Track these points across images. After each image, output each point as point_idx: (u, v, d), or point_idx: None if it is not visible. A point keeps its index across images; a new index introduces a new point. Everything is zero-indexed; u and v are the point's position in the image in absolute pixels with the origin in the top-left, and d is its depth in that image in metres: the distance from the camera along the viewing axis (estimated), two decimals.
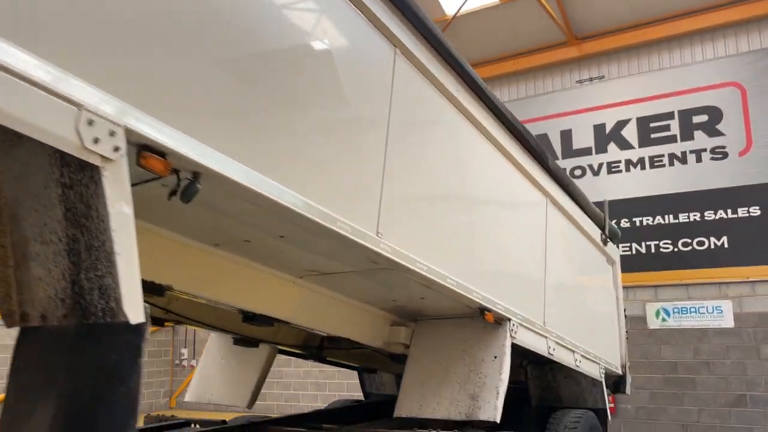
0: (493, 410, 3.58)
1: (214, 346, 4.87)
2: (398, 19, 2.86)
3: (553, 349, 4.48)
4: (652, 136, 10.90)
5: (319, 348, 4.64)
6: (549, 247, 4.58)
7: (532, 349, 4.19)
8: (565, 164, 11.54)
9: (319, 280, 3.35)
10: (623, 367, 6.12)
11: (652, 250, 10.59)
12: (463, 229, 3.46)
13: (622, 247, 10.74)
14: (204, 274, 2.89)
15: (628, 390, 6.15)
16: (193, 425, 4.16)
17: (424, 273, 3.03)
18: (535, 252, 4.39)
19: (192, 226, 2.62)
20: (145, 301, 1.48)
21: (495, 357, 3.78)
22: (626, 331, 6.37)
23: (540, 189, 4.51)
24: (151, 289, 2.70)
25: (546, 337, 4.39)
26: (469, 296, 3.45)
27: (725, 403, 9.72)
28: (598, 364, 5.41)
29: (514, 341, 3.93)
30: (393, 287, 3.43)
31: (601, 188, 11.14)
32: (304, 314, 3.45)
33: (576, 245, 5.24)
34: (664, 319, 10.31)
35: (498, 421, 3.56)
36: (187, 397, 4.83)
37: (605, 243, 5.83)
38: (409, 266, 2.92)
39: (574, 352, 4.88)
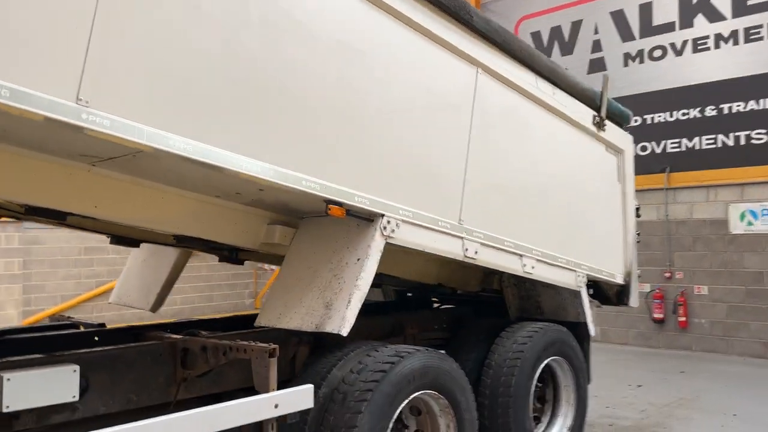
0: (339, 321, 2.99)
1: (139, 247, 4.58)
2: None
3: (476, 252, 3.71)
4: (750, 2, 8.97)
5: (231, 250, 4.18)
6: (477, 129, 3.72)
7: (430, 251, 3.47)
8: (643, 44, 9.94)
9: (117, 167, 2.83)
10: (628, 275, 5.14)
11: (741, 142, 8.96)
12: (280, 97, 2.74)
13: (705, 139, 9.21)
14: None
15: (632, 302, 5.18)
16: (80, 327, 3.94)
17: (187, 155, 2.42)
18: (445, 134, 3.56)
19: None
20: None
21: (358, 260, 3.14)
22: (637, 234, 5.32)
23: (461, 56, 3.62)
24: None
25: (462, 237, 3.63)
26: (295, 186, 2.80)
27: None
28: (574, 271, 4.53)
29: (393, 241, 3.24)
30: (207, 177, 2.84)
31: (683, 71, 9.53)
32: (111, 208, 2.98)
33: (541, 129, 4.28)
34: (750, 223, 8.81)
35: (344, 333, 2.97)
36: (110, 299, 4.65)
37: (600, 127, 4.76)
38: (155, 146, 2.32)
39: (522, 256, 4.05)
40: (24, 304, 11.85)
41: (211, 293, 14.48)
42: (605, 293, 5.25)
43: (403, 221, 3.28)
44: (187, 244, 3.63)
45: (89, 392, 2.88)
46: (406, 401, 3.30)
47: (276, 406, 2.72)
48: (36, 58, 2.04)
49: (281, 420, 2.82)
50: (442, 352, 3.57)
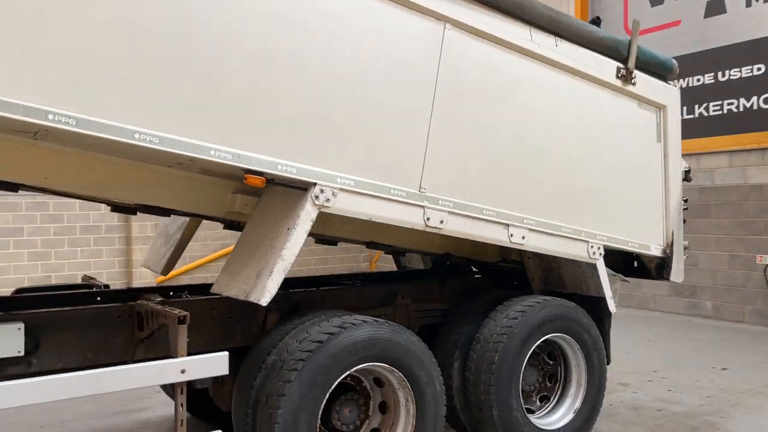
0: (260, 291, 2.98)
1: None
2: None
3: (441, 221, 3.50)
4: None
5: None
6: (444, 90, 3.47)
7: (380, 221, 3.34)
8: None
9: (57, 140, 3.00)
10: (669, 246, 4.57)
11: None
12: (183, 65, 2.70)
13: None
14: None
15: (674, 277, 4.60)
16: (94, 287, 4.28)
17: (69, 128, 2.50)
18: (399, 98, 3.36)
19: None
20: None
21: (288, 229, 3.10)
22: (683, 200, 4.69)
23: (422, 11, 3.38)
24: None
25: (423, 206, 3.44)
26: (201, 156, 2.80)
27: None
28: (586, 242, 4.12)
29: (329, 210, 3.16)
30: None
31: None
32: (62, 179, 3.18)
33: (538, 86, 3.89)
34: None
35: (263, 303, 2.96)
36: (142, 263, 5.00)
37: (627, 80, 4.23)
38: (31, 120, 2.42)
39: (508, 225, 3.76)
40: None
41: (326, 256, 14.88)
42: (646, 266, 4.74)
43: (342, 190, 3.17)
44: (158, 213, 3.76)
45: (44, 348, 3.15)
46: (348, 373, 3.25)
47: (183, 371, 2.80)
48: None
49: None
50: (392, 323, 3.44)
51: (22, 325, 3.01)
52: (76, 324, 3.25)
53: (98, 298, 3.94)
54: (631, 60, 4.23)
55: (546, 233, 3.93)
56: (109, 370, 2.70)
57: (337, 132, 3.19)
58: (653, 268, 4.68)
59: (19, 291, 4.07)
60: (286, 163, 3.02)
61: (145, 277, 12.41)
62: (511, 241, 3.78)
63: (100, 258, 12.43)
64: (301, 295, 3.98)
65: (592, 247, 4.15)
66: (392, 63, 3.33)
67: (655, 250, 4.53)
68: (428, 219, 3.46)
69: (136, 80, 2.64)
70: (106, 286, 4.21)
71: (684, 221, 4.75)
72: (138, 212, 3.62)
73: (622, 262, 4.92)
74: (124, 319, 3.38)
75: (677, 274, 4.61)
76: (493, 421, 3.76)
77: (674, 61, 4.51)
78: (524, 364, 3.88)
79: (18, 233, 11.37)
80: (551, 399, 4.25)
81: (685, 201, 4.73)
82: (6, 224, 11.16)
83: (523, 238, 3.83)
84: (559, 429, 4.05)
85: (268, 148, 2.98)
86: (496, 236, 3.74)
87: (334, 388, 3.42)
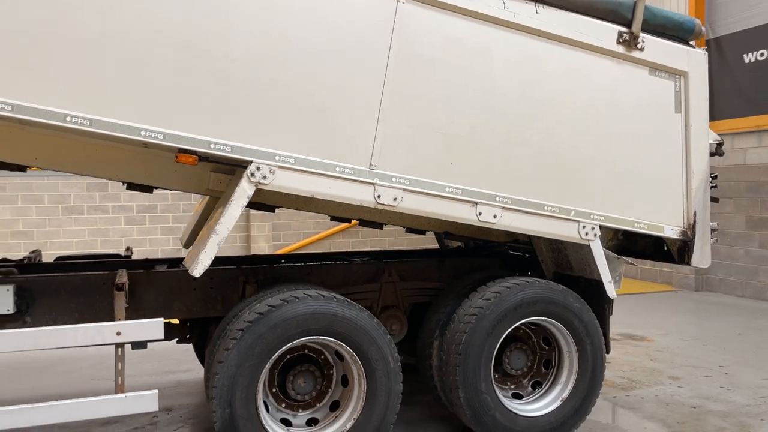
0: (195, 264, 3.17)
1: None
2: None
3: (395, 199, 3.45)
4: None
5: None
6: (398, 66, 3.41)
7: (326, 198, 3.37)
8: None
9: (38, 124, 3.39)
10: (689, 229, 4.11)
11: None
12: (103, 46, 2.89)
13: None
14: None
15: (695, 261, 4.11)
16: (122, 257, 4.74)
17: None
18: (345, 74, 3.35)
19: None
20: None
21: (228, 205, 3.25)
22: (711, 177, 4.17)
23: None
24: None
25: (373, 183, 3.42)
26: (131, 136, 3.01)
27: None
28: (576, 221, 3.84)
29: (267, 188, 3.25)
30: None
31: None
32: (50, 159, 3.57)
33: (516, 57, 3.66)
34: None
35: (195, 275, 3.15)
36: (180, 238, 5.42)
37: (632, 45, 3.85)
38: None
39: (477, 203, 3.62)
40: (273, 239, 13.89)
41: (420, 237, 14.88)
42: (669, 248, 4.32)
43: (281, 167, 3.25)
44: (143, 190, 4.05)
45: (37, 308, 3.60)
46: (290, 345, 3.35)
47: (118, 334, 3.08)
48: None
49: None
50: (342, 298, 3.47)
51: (11, 287, 3.45)
52: (65, 288, 3.67)
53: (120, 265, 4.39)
54: (636, 23, 3.84)
55: (525, 212, 3.73)
56: (48, 329, 3.04)
57: (275, 108, 3.24)
58: (675, 252, 4.26)
59: (58, 258, 4.62)
60: (219, 141, 3.15)
61: (263, 250, 13.24)
62: (479, 220, 3.64)
63: None
64: (285, 270, 4.14)
65: (584, 227, 3.87)
66: (336, 35, 3.30)
67: (671, 232, 4.11)
68: (379, 197, 3.44)
69: (62, 63, 2.88)
70: (128, 257, 4.67)
71: (715, 200, 4.26)
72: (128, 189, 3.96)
73: (652, 245, 4.53)
74: (109, 285, 3.73)
75: (701, 258, 4.15)
76: (460, 403, 3.69)
77: (696, 21, 4.01)
78: (497, 346, 3.74)
79: (152, 210, 12.59)
80: (543, 385, 4.06)
81: (714, 178, 4.22)
82: (143, 202, 12.38)
83: (495, 216, 3.67)
84: (540, 416, 3.86)
85: (200, 126, 3.11)
86: (461, 215, 3.62)
87: (290, 358, 3.58)
